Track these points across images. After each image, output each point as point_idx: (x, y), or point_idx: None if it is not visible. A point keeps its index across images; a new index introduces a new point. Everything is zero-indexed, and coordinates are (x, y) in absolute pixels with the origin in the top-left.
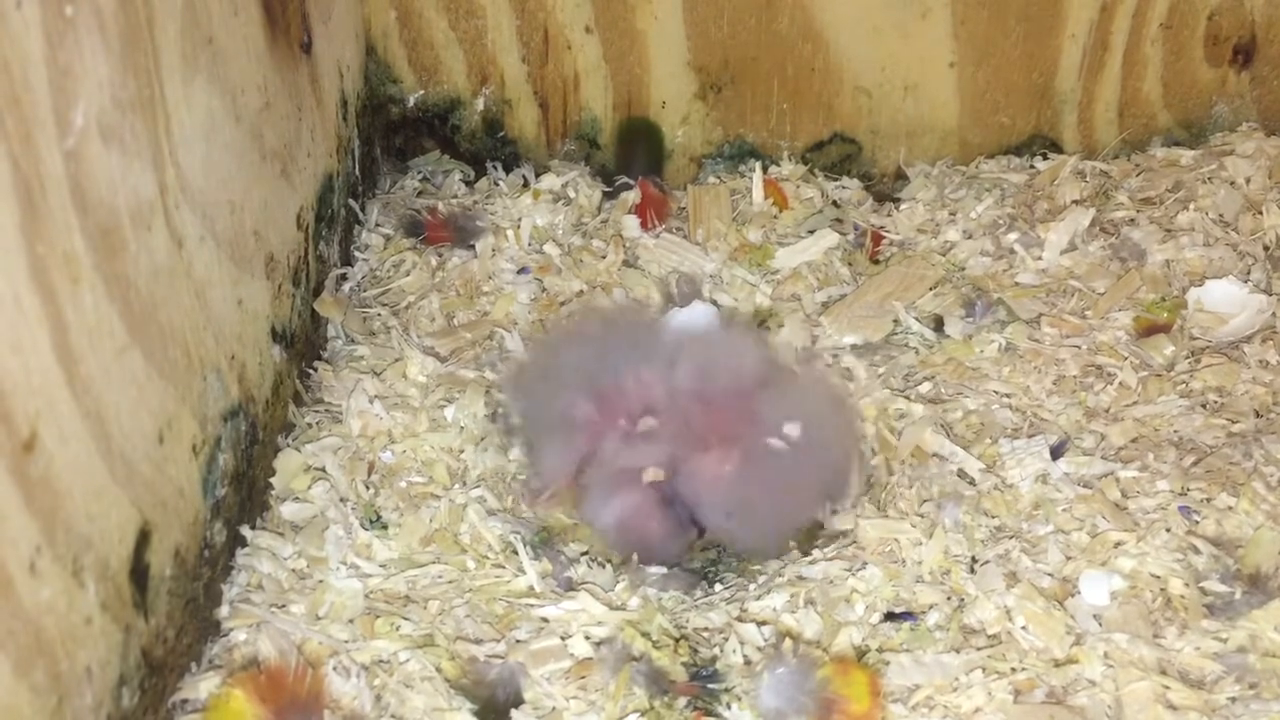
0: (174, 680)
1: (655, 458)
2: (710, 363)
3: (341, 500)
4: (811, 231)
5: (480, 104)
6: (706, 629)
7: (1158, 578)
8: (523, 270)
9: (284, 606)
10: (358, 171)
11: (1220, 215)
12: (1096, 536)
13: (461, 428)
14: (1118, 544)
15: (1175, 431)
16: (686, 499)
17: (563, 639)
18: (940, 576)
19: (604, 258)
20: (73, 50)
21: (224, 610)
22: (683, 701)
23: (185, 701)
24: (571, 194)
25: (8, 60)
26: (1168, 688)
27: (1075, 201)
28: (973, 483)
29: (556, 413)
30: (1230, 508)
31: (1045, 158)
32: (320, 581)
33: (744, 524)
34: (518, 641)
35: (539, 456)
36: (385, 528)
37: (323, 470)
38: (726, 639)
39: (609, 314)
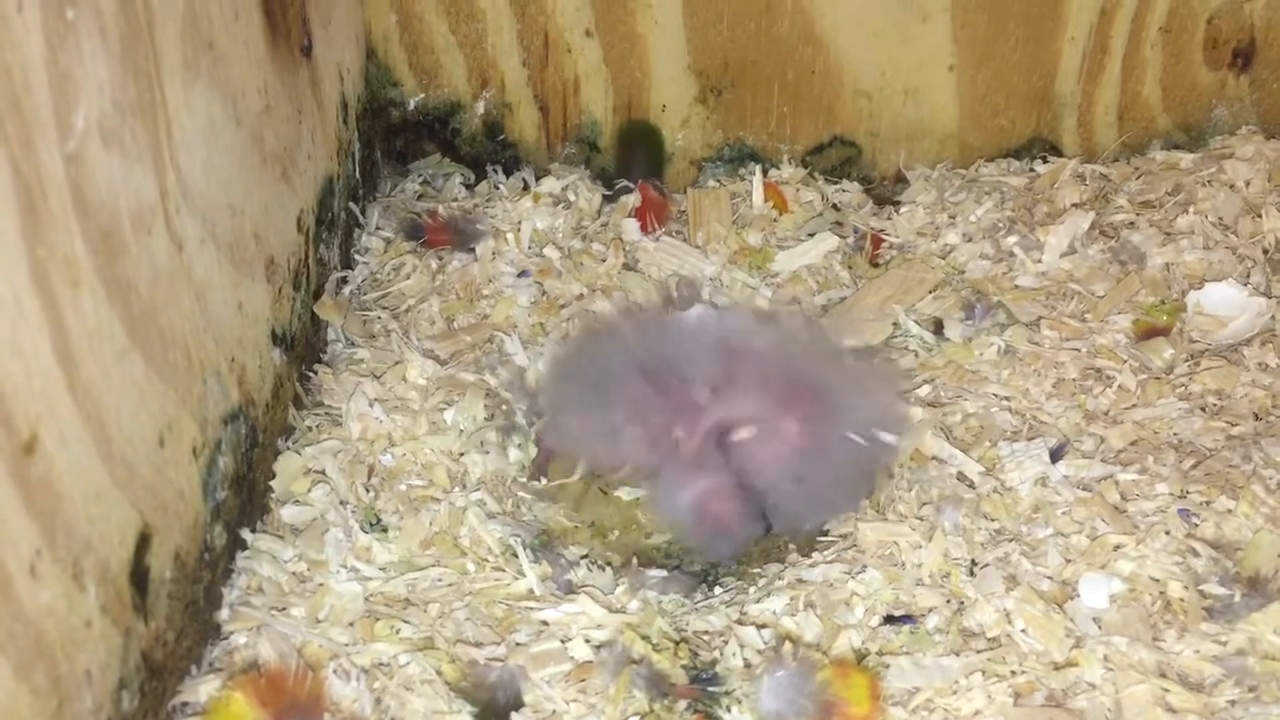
0: (174, 683)
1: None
2: (785, 344)
3: (341, 503)
4: (811, 235)
5: (480, 107)
6: (706, 632)
7: (1157, 581)
8: (523, 273)
9: (284, 609)
10: (358, 175)
11: (1220, 218)
12: (1096, 539)
13: (461, 431)
14: (1117, 547)
15: (1174, 434)
16: (754, 472)
17: (563, 642)
18: (940, 579)
19: (604, 261)
20: (73, 53)
21: (224, 613)
22: (683, 704)
23: (185, 705)
24: (571, 197)
25: (9, 64)
26: (1167, 691)
27: (1075, 205)
28: (972, 486)
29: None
30: (1229, 511)
31: (1045, 161)
32: (320, 584)
33: (806, 501)
34: (518, 644)
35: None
36: (385, 531)
37: (323, 473)
38: (726, 642)
39: (630, 312)
